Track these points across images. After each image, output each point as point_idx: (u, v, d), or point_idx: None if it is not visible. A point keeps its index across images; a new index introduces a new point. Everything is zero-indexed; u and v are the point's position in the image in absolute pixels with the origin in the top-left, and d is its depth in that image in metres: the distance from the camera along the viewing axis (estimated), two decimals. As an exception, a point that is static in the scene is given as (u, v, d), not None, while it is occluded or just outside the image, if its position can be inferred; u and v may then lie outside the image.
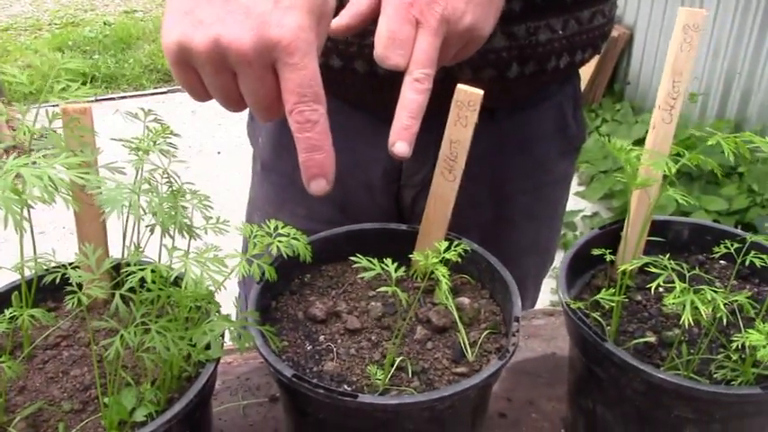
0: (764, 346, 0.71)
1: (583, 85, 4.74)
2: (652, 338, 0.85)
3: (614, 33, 4.62)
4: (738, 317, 0.85)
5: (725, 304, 0.74)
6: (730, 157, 0.69)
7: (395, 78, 1.04)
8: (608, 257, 0.87)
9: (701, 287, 0.74)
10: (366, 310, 0.88)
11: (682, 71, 0.88)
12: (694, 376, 0.79)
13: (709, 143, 0.71)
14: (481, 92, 0.82)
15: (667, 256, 0.81)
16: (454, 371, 0.80)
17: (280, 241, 0.72)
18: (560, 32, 1.09)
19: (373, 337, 0.84)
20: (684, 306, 0.72)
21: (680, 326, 0.84)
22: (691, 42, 0.88)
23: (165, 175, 0.71)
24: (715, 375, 0.80)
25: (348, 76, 1.07)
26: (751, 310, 0.78)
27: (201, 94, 0.78)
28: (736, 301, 0.77)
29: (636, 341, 0.84)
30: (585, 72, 4.72)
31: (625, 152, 0.79)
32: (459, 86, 0.83)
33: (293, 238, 0.72)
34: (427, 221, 0.91)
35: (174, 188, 0.70)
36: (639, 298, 0.92)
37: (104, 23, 7.03)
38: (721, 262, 0.96)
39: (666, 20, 4.30)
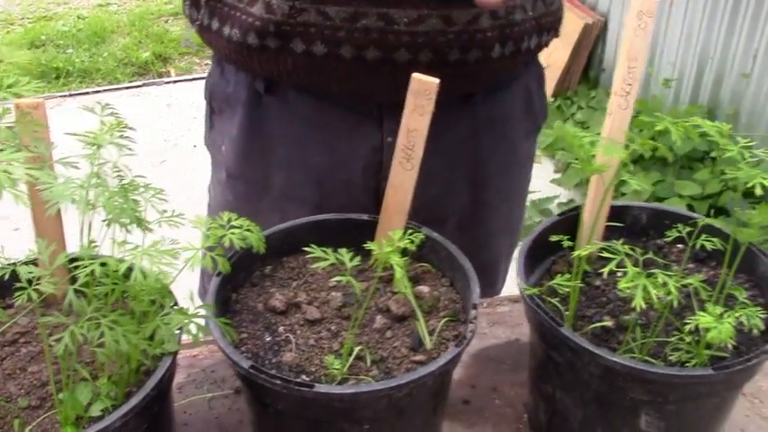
0: (714, 328, 0.72)
1: (558, 73, 4.76)
2: (609, 323, 0.86)
3: (589, 21, 4.63)
4: (693, 300, 0.86)
5: (680, 287, 0.75)
6: (678, 142, 0.69)
7: (382, 65, 1.04)
8: (566, 243, 0.88)
9: (654, 271, 0.75)
10: (326, 300, 0.88)
11: (636, 57, 0.88)
12: (649, 359, 0.80)
13: (657, 128, 0.71)
14: (436, 81, 0.82)
15: (621, 240, 0.82)
16: (413, 359, 0.81)
17: (233, 233, 0.72)
18: (530, 13, 1.12)
19: (333, 328, 0.84)
20: (637, 290, 0.73)
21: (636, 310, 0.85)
22: (645, 28, 0.89)
23: (117, 170, 0.71)
24: (670, 358, 0.81)
25: (332, 62, 1.05)
26: (704, 293, 0.79)
27: None
28: (690, 284, 0.78)
29: (593, 325, 0.85)
30: (560, 60, 4.74)
31: (578, 139, 0.79)
32: (415, 76, 0.83)
33: (246, 230, 0.72)
34: (386, 212, 0.92)
35: (124, 182, 0.70)
36: (598, 283, 0.93)
37: (78, 17, 6.95)
38: (679, 246, 0.97)
39: (639, 6, 4.31)
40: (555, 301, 0.88)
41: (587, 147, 0.80)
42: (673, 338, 0.81)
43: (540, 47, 1.20)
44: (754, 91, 3.68)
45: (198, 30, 1.17)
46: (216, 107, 1.28)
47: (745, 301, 0.79)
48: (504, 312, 1.16)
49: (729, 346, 0.82)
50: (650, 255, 0.85)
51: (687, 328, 0.76)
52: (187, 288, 0.84)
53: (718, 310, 0.73)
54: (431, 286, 0.90)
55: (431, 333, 0.83)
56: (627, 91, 0.89)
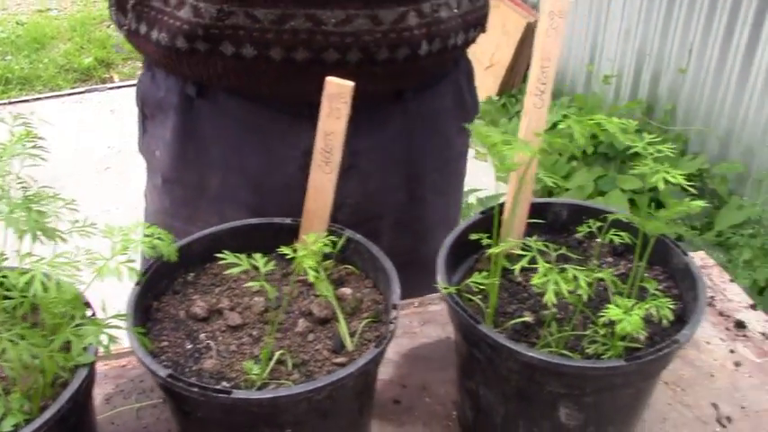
0: (624, 320, 0.74)
1: (502, 72, 4.81)
2: (530, 318, 0.88)
3: (531, 19, 4.69)
4: (611, 294, 0.88)
5: (597, 281, 0.77)
6: (580, 141, 0.71)
7: (311, 65, 1.04)
8: (485, 241, 0.89)
9: (566, 267, 0.76)
10: (249, 305, 0.88)
11: (549, 56, 0.90)
12: (566, 353, 0.82)
13: (561, 126, 0.73)
14: (351, 84, 0.83)
15: (544, 237, 0.83)
16: (334, 361, 0.81)
17: (143, 242, 0.71)
18: (456, 10, 1.13)
19: (255, 333, 0.84)
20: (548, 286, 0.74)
21: (555, 304, 0.87)
22: (557, 28, 0.91)
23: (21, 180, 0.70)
24: (587, 350, 0.83)
25: (262, 64, 1.05)
26: (616, 287, 0.81)
27: None
28: (602, 279, 0.79)
29: (514, 321, 0.87)
30: (504, 58, 4.79)
31: (489, 138, 0.81)
32: (329, 79, 0.83)
33: (157, 238, 0.72)
34: (308, 215, 0.92)
35: (29, 193, 0.69)
36: (520, 279, 0.94)
37: (17, 23, 6.80)
38: (598, 240, 0.99)
39: (580, 4, 4.39)
40: (477, 298, 0.89)
41: (499, 146, 0.82)
42: (588, 331, 0.83)
43: (468, 43, 1.22)
44: (690, 85, 3.76)
45: (126, 35, 1.16)
46: (148, 112, 1.27)
47: (656, 292, 0.81)
48: (436, 311, 1.17)
49: (642, 337, 0.84)
50: (564, 250, 0.87)
51: (600, 321, 0.78)
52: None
53: (628, 302, 0.75)
54: (354, 288, 0.91)
55: (352, 335, 0.84)
56: (541, 90, 0.91)
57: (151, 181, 1.34)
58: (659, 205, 3.64)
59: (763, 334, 1.13)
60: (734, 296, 1.21)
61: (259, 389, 0.77)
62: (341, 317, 0.84)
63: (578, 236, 1.00)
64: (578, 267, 0.76)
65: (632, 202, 3.66)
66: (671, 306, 0.78)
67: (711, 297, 1.20)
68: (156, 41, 1.08)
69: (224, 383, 0.78)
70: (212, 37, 1.04)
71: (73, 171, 4.16)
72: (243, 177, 1.20)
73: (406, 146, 1.25)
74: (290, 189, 1.19)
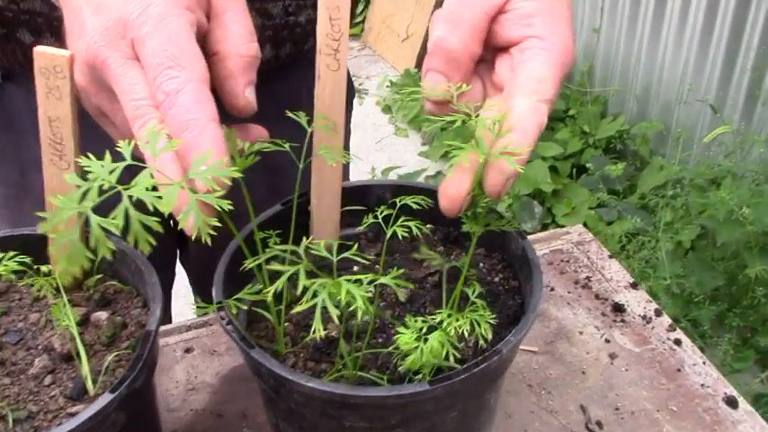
0: (416, 349, 0.58)
1: (419, 43, 4.64)
2: (335, 332, 0.71)
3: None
4: (443, 287, 0.72)
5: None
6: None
7: None
8: (271, 241, 0.72)
9: (347, 277, 0.60)
10: (-25, 344, 0.69)
11: (338, 5, 0.72)
12: (369, 375, 0.65)
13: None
14: (67, 53, 0.64)
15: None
16: (69, 411, 0.63)
17: None
18: None
19: (-27, 381, 0.66)
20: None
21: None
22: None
23: None
24: (400, 368, 0.66)
25: None
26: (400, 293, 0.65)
27: None
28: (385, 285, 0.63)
29: (311, 337, 0.70)
30: (420, 29, 4.61)
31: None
32: (38, 50, 0.64)
33: None
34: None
35: None
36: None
37: None
38: (429, 225, 0.83)
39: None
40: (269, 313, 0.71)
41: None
42: (390, 347, 0.66)
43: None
44: (605, 45, 3.64)
45: None
46: None
47: (477, 300, 0.65)
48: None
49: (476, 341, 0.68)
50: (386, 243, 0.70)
51: (397, 339, 0.61)
52: None
53: (422, 322, 0.59)
54: (115, 310, 0.73)
55: (99, 374, 0.66)
56: (334, 48, 0.73)
57: None
58: (581, 171, 3.52)
59: (644, 317, 0.99)
60: (613, 274, 1.06)
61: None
62: (82, 351, 0.66)
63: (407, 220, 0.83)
64: (356, 276, 0.59)
65: (554, 170, 3.54)
66: (491, 320, 0.63)
67: (587, 278, 1.05)
68: None
69: None
70: (7, 21, 0.93)
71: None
72: None
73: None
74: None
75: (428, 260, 0.78)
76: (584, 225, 3.26)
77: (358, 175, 3.75)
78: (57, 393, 0.65)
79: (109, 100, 0.64)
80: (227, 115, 0.68)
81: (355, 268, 0.78)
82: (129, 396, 0.62)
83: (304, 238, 0.63)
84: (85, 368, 0.65)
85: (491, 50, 0.69)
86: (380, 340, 0.70)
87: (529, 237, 1.13)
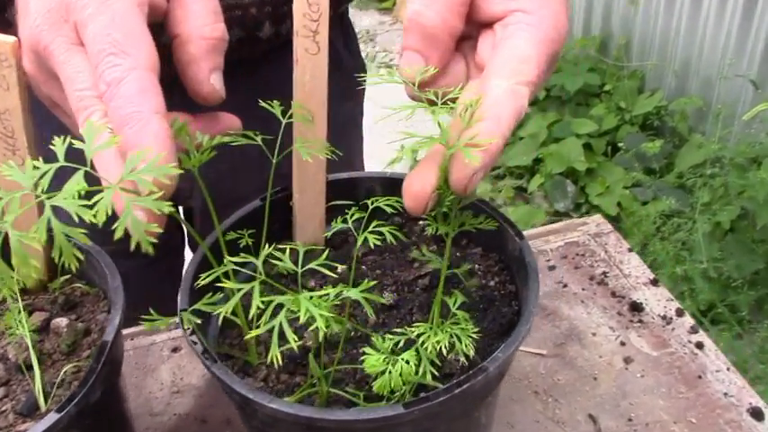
0: (384, 373, 0.52)
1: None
2: (310, 342, 0.65)
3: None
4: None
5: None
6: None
7: None
8: (243, 242, 0.66)
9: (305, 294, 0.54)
10: (-73, 352, 0.65)
11: (317, -17, 0.66)
12: (344, 392, 0.59)
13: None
14: (11, 39, 0.59)
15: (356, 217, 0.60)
16: (18, 429, 0.59)
17: None
18: None
19: None
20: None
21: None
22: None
23: None
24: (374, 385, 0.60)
25: None
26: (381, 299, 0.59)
27: None
28: (348, 298, 0.56)
29: (286, 347, 0.64)
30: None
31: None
32: (-20, 36, 0.59)
33: None
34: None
35: None
36: (313, 284, 0.72)
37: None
38: (421, 223, 0.77)
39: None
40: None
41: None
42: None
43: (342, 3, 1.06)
44: (642, 18, 3.50)
45: None
46: None
47: (458, 312, 0.58)
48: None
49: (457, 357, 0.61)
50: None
51: (366, 356, 0.55)
52: None
53: (388, 342, 0.53)
54: (80, 315, 0.68)
55: (59, 385, 0.61)
56: (313, 29, 0.67)
57: None
58: (617, 149, 3.40)
59: (664, 317, 0.91)
60: (632, 270, 0.98)
61: None
62: (35, 363, 0.61)
63: (398, 218, 0.77)
64: (327, 290, 0.53)
65: (589, 147, 3.42)
66: (474, 335, 0.56)
67: (604, 273, 0.97)
68: None
69: None
70: None
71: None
72: None
73: (261, 117, 1.03)
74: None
75: (421, 261, 0.72)
76: (618, 205, 3.16)
77: (388, 152, 3.68)
78: (8, 408, 0.60)
79: (59, 89, 0.58)
80: (194, 103, 0.62)
81: (339, 269, 0.72)
82: (83, 413, 0.57)
83: (266, 246, 0.56)
84: (38, 383, 0.60)
85: (476, 26, 0.61)
86: (361, 350, 0.64)
87: (544, 227, 1.06)
